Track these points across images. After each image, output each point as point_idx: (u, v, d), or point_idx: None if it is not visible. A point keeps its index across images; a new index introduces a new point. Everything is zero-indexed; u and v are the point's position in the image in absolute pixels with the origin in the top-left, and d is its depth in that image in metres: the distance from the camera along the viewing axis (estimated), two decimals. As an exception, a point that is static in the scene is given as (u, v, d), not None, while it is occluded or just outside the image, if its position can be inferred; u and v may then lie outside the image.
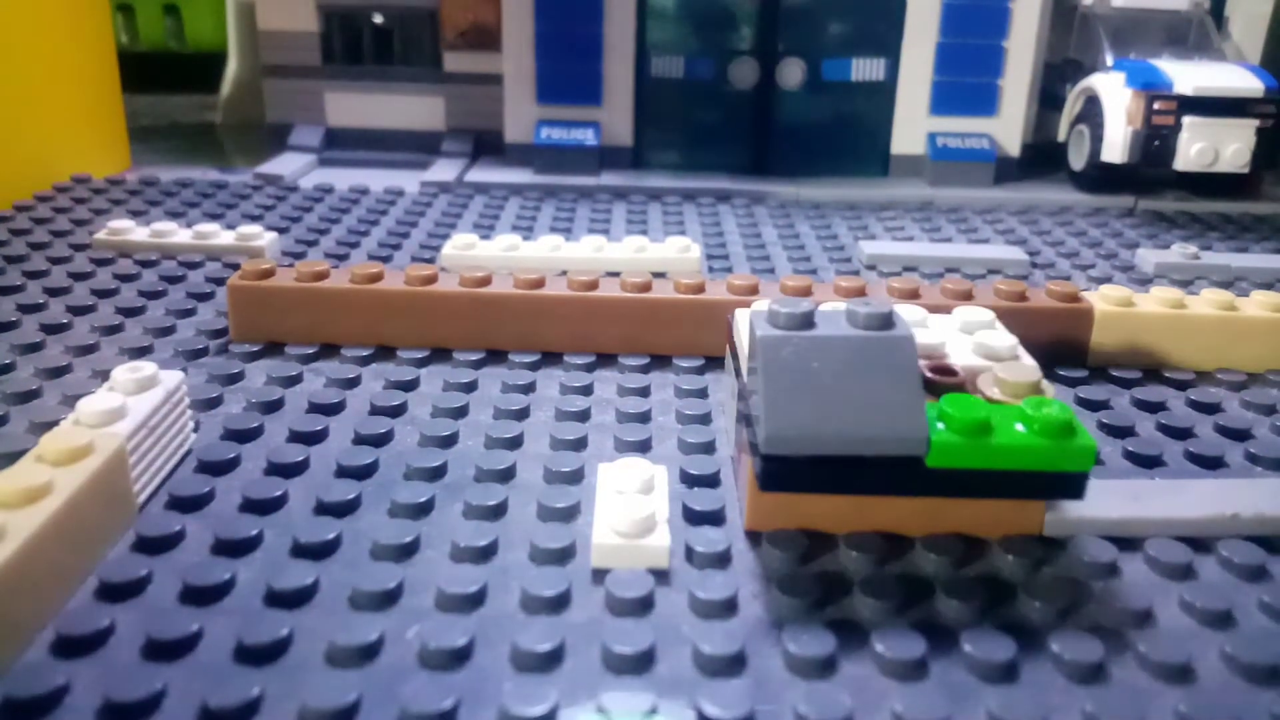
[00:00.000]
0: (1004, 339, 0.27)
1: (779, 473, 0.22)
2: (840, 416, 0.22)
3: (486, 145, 0.64)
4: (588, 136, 0.59)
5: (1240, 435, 0.30)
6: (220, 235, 0.44)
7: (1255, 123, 0.54)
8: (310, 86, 0.65)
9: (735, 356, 0.27)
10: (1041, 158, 0.63)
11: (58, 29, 0.55)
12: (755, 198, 0.57)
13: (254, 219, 0.50)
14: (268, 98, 0.66)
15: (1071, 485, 0.23)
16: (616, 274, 0.39)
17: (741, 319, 0.27)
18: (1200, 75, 0.55)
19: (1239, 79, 0.55)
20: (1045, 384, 0.25)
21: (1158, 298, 0.35)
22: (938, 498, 0.23)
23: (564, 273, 0.37)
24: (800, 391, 0.22)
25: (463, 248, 0.42)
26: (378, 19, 0.64)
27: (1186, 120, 0.54)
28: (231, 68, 0.78)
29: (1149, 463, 0.28)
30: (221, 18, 0.79)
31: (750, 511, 0.24)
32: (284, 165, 0.60)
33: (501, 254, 0.42)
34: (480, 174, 0.59)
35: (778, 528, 0.24)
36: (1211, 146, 0.54)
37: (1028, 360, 0.26)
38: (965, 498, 0.23)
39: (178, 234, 0.44)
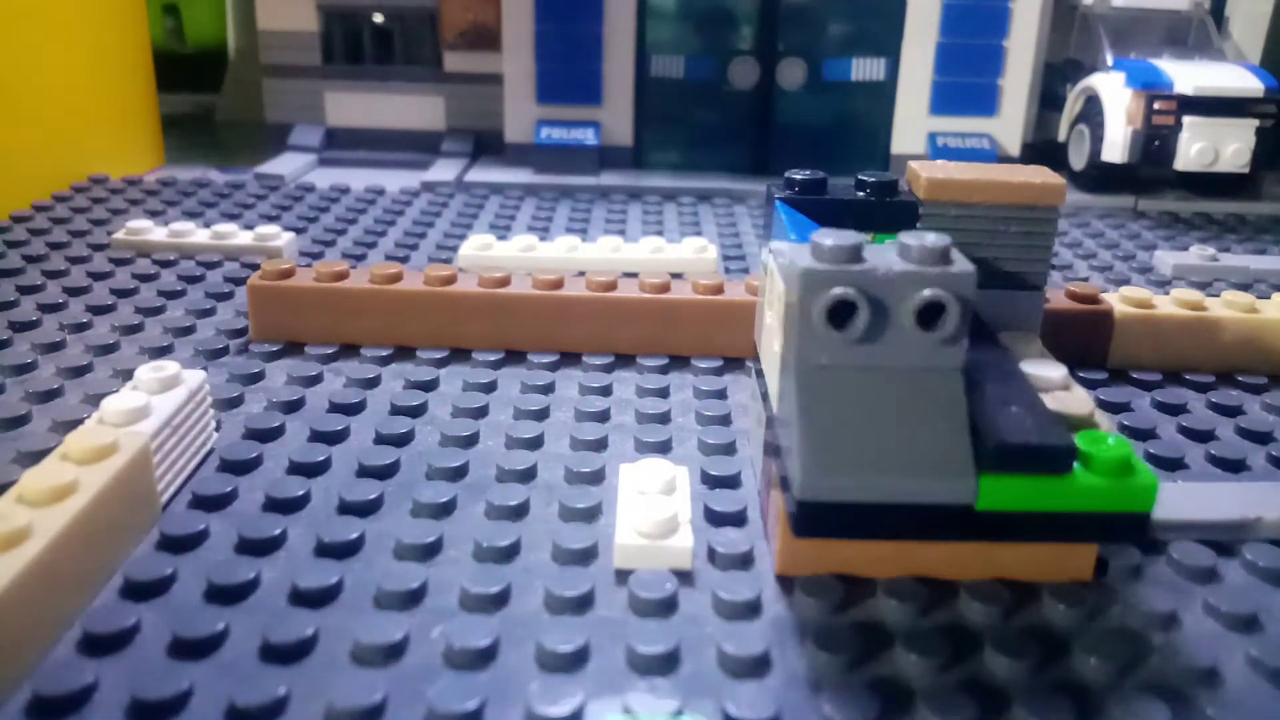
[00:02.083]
0: (1057, 369, 0.25)
1: (814, 517, 0.20)
2: (883, 459, 0.20)
3: (486, 145, 0.64)
4: (588, 136, 0.59)
5: (1262, 438, 0.30)
6: (238, 235, 0.44)
7: (1255, 122, 0.54)
8: (310, 86, 0.65)
9: (760, 372, 0.26)
10: (1041, 157, 0.63)
11: (93, 28, 0.55)
12: (758, 198, 0.57)
13: (271, 219, 0.50)
14: (267, 97, 0.66)
15: (1131, 527, 0.21)
16: (633, 274, 0.39)
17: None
18: (1200, 75, 0.55)
19: (1239, 79, 0.55)
20: (1099, 415, 0.23)
21: (1177, 300, 0.35)
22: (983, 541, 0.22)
23: (581, 273, 0.37)
24: (839, 430, 0.20)
25: (480, 248, 0.42)
26: (378, 19, 0.64)
27: (1187, 120, 0.54)
28: (231, 67, 0.78)
29: (1171, 465, 0.28)
30: (221, 16, 0.80)
31: (782, 555, 0.23)
32: (284, 165, 0.60)
33: (519, 254, 0.42)
34: (480, 174, 0.59)
35: (811, 573, 0.23)
36: (1212, 146, 0.54)
37: (1079, 391, 0.24)
38: (1016, 541, 0.22)
39: (196, 234, 0.44)
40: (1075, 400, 0.23)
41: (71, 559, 0.21)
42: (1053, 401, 0.23)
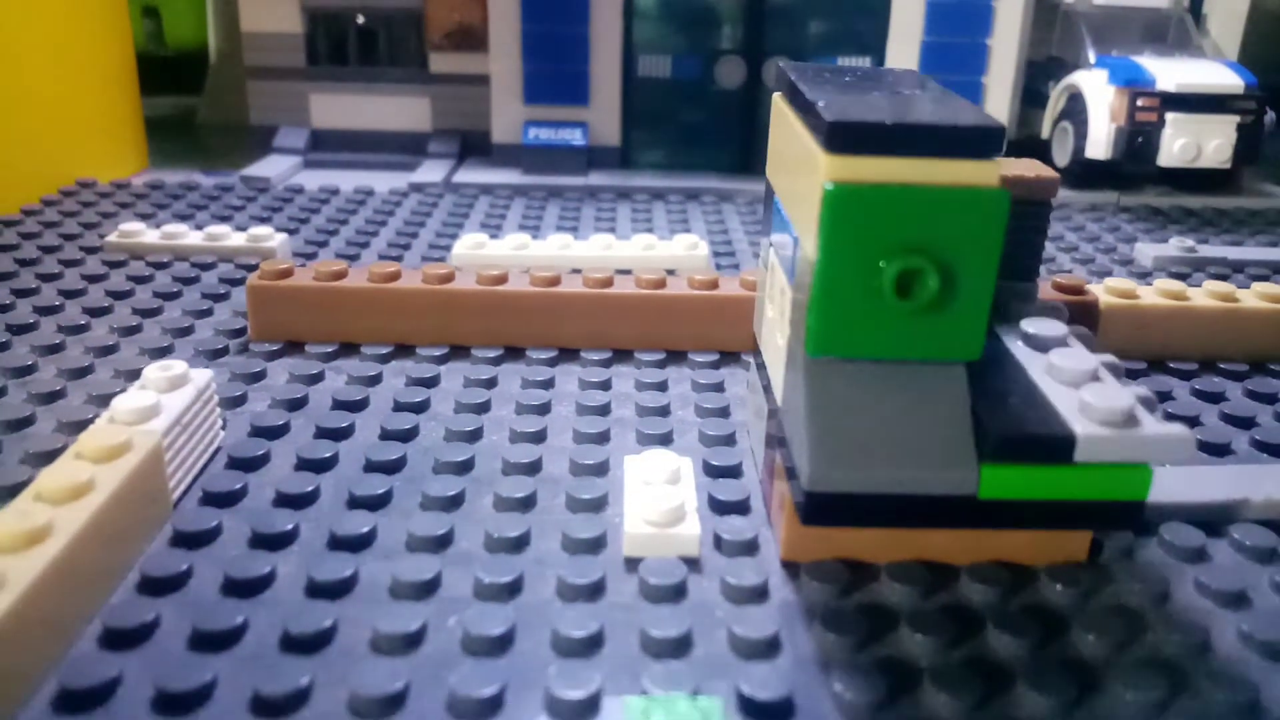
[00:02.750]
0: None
1: (821, 507, 0.21)
2: (888, 450, 0.20)
3: (473, 146, 0.64)
4: (575, 137, 0.60)
5: (1245, 423, 0.31)
6: (231, 237, 0.44)
7: (1236, 119, 0.55)
8: (295, 88, 0.65)
9: (761, 365, 0.27)
10: (1025, 155, 0.64)
11: (76, 33, 0.55)
12: (746, 196, 0.57)
13: (262, 221, 0.50)
14: (252, 100, 0.66)
15: (1127, 513, 0.21)
16: (626, 271, 0.40)
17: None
18: (1182, 72, 0.56)
19: (1220, 76, 0.56)
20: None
21: (1160, 290, 0.36)
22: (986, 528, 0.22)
23: (576, 270, 0.38)
24: (845, 423, 0.21)
25: (473, 247, 0.43)
26: (362, 20, 0.64)
27: (1169, 117, 0.55)
28: (212, 69, 0.78)
29: (1159, 450, 0.29)
30: (201, 18, 0.79)
31: (787, 542, 0.23)
32: (269, 168, 0.60)
33: (512, 252, 0.42)
34: (468, 175, 0.59)
35: (815, 558, 0.23)
36: (1194, 142, 0.55)
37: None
38: (1016, 529, 0.22)
39: (189, 236, 0.44)
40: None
41: (91, 555, 0.21)
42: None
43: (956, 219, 0.19)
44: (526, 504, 0.25)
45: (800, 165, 0.22)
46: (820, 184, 0.19)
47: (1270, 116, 0.56)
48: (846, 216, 0.19)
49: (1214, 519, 0.26)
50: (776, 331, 0.24)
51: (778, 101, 0.25)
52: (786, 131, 0.24)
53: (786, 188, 0.24)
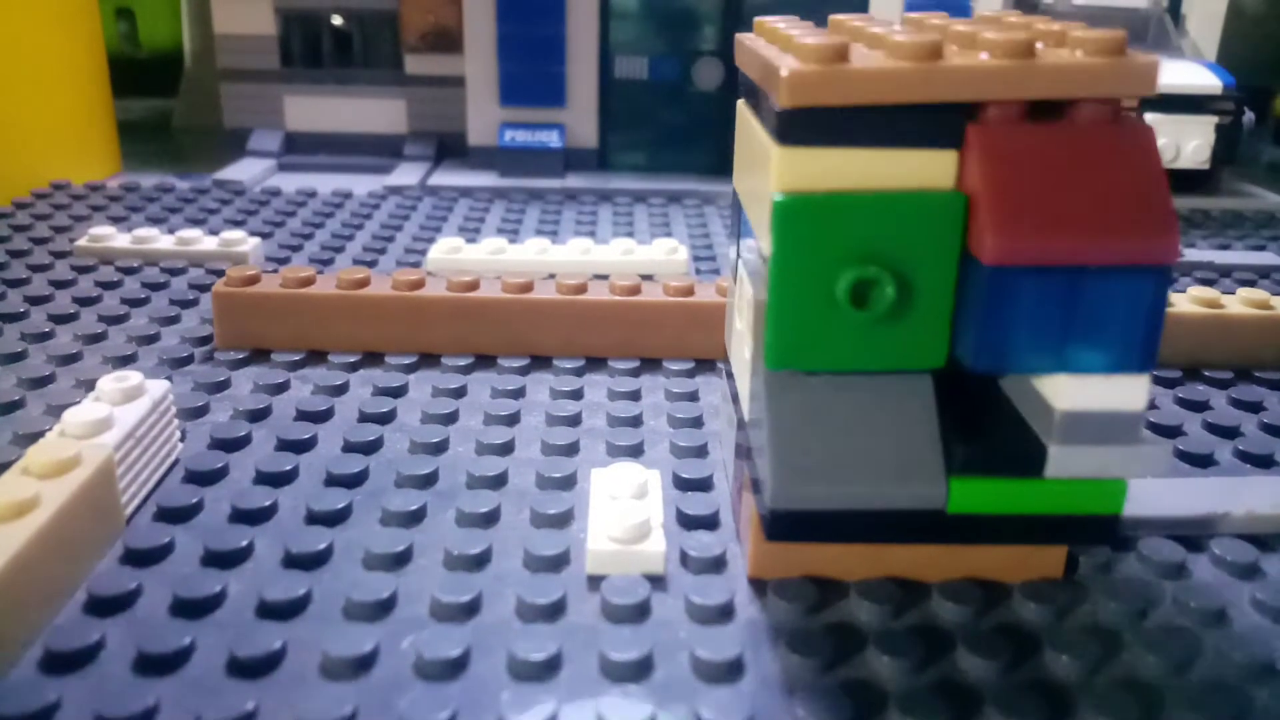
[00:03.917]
0: None
1: (786, 523, 0.20)
2: (854, 465, 0.20)
3: (449, 148, 0.64)
4: (552, 139, 0.59)
5: (1229, 433, 0.30)
6: (203, 241, 0.43)
7: (1214, 119, 0.55)
8: (268, 90, 0.64)
9: (731, 374, 0.26)
10: None
11: (46, 33, 0.55)
12: (728, 199, 0.57)
13: (236, 224, 0.49)
14: (225, 102, 0.65)
15: (1101, 528, 0.21)
16: (604, 276, 0.39)
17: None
18: (1161, 73, 0.55)
19: (1198, 76, 0.55)
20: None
21: (1144, 296, 0.35)
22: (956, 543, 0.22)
23: (551, 276, 0.37)
24: (810, 437, 0.20)
25: (448, 251, 0.42)
26: (337, 21, 0.63)
27: (1148, 117, 0.54)
28: (187, 71, 0.77)
29: (1139, 461, 0.28)
30: (176, 20, 0.78)
31: (754, 559, 0.23)
32: (243, 171, 0.59)
33: (488, 257, 0.42)
34: (444, 177, 0.59)
35: (784, 575, 0.22)
36: (1173, 143, 0.55)
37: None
38: (987, 544, 0.22)
39: (160, 240, 0.43)
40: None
41: (34, 575, 0.20)
42: None
43: (911, 224, 0.19)
44: (489, 519, 0.25)
45: (757, 164, 0.21)
46: (772, 183, 0.19)
47: (1248, 117, 0.56)
48: (798, 226, 0.19)
49: (1194, 532, 0.25)
50: (744, 343, 0.24)
51: (740, 107, 0.24)
52: (746, 134, 0.23)
53: (748, 193, 0.23)
